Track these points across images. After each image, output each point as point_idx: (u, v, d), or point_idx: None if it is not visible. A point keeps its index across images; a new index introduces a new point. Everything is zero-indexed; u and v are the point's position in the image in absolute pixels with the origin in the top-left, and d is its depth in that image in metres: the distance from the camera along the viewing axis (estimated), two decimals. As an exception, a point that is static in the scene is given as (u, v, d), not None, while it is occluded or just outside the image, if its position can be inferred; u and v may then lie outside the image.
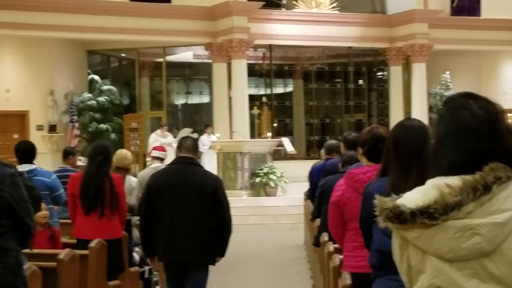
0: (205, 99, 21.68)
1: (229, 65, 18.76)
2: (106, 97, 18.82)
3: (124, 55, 21.29)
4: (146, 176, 8.08)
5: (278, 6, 20.15)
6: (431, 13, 20.14)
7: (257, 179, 14.68)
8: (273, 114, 20.30)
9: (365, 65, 22.08)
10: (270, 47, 20.19)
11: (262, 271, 9.77)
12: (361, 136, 4.04)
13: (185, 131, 18.75)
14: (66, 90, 18.60)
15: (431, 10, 20.16)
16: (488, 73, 22.49)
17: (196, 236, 5.28)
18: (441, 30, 20.12)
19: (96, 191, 6.02)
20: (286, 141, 18.11)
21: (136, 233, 6.93)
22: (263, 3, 18.79)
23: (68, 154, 8.57)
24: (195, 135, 18.42)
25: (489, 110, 1.96)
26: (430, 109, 20.34)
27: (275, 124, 20.51)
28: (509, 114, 21.05)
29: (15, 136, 17.39)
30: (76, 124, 18.24)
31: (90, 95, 18.80)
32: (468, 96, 2.00)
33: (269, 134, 18.18)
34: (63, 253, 5.21)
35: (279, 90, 22.02)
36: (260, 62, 20.62)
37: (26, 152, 6.79)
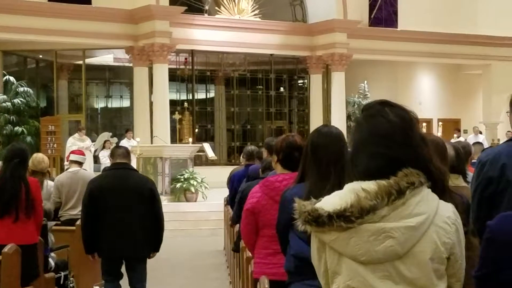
0: (126, 103, 21.41)
1: (150, 69, 18.60)
2: (22, 99, 18.29)
3: (41, 56, 20.77)
4: (63, 180, 7.93)
5: (200, 11, 20.14)
6: (350, 24, 20.59)
7: (178, 185, 14.60)
8: (195, 119, 20.26)
9: (286, 72, 22.34)
10: (192, 52, 20.14)
11: (181, 277, 9.72)
12: (276, 144, 4.08)
13: (105, 135, 18.45)
14: (-20, 91, 18.00)
15: (350, 21, 20.60)
16: (403, 83, 23.19)
17: (137, 233, 5.99)
18: (360, 40, 20.60)
19: (11, 194, 5.84)
20: (207, 146, 18.09)
21: (52, 238, 6.78)
22: (186, 8, 18.76)
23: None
24: (114, 140, 18.18)
25: (404, 118, 2.02)
26: (349, 117, 20.77)
27: (196, 130, 20.48)
28: (423, 124, 21.78)
29: None
30: (-10, 127, 17.66)
31: (4, 96, 18.23)
32: (385, 104, 2.06)
33: (190, 139, 18.12)
34: (-26, 259, 5.04)
35: (200, 95, 21.98)
36: (182, 67, 20.54)
37: None
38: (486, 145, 15.61)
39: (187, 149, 15.80)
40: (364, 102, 19.98)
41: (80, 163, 8.00)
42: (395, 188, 1.90)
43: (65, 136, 18.77)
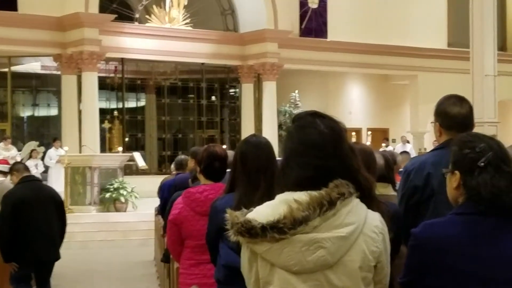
0: (53, 111, 20.95)
1: (79, 77, 18.26)
2: None
3: (-36, 63, 20.13)
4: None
5: (131, 19, 19.94)
6: (281, 33, 20.77)
7: (107, 194, 14.36)
8: (125, 128, 20.01)
9: (218, 81, 22.33)
10: (122, 61, 19.90)
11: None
12: (199, 154, 4.07)
13: (31, 145, 18.00)
14: None
15: (281, 31, 20.79)
16: (334, 93, 23.55)
17: (56, 239, 6.72)
18: (291, 50, 20.80)
19: None
20: (137, 156, 17.89)
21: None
22: (116, 16, 18.53)
23: None
24: (41, 149, 17.76)
25: (335, 129, 2.05)
26: (280, 126, 20.91)
27: (126, 139, 20.21)
28: (353, 133, 22.17)
29: None
30: None
31: None
32: (315, 115, 2.08)
33: (120, 148, 17.89)
34: None
35: (131, 104, 21.73)
36: (112, 75, 20.27)
37: None
38: (413, 154, 16.01)
39: (117, 158, 15.59)
40: (295, 111, 20.17)
41: (5, 173, 7.78)
42: (327, 199, 1.92)
43: (-10, 146, 18.20)
